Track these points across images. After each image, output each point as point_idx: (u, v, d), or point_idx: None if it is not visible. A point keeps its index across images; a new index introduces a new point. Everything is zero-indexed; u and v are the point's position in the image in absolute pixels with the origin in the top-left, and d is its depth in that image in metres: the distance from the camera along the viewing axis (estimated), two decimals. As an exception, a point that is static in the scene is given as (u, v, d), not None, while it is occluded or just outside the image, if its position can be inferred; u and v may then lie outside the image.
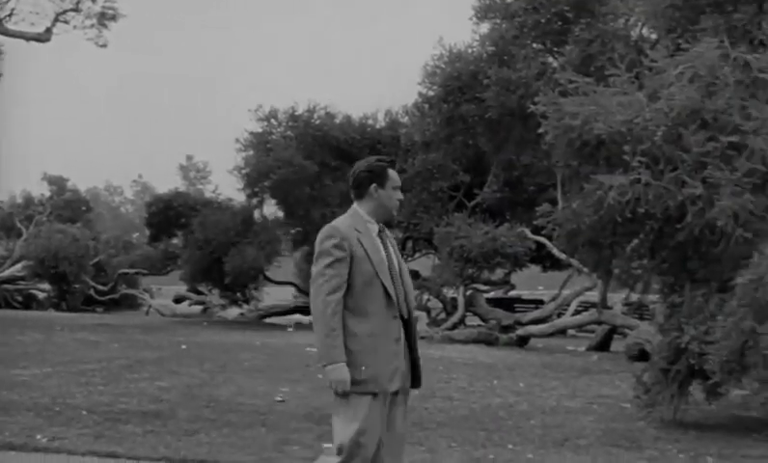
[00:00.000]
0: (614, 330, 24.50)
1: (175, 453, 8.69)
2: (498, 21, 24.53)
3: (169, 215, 31.74)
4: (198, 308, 36.51)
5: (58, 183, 51.59)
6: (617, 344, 23.68)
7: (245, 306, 31.49)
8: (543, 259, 29.29)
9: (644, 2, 18.10)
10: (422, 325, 20.89)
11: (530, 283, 37.95)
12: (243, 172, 28.47)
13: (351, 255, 5.48)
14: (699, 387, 11.23)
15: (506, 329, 24.50)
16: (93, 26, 31.82)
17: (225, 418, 10.62)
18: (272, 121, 29.39)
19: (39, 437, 9.14)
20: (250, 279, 29.12)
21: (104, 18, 31.68)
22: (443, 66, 26.02)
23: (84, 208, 49.41)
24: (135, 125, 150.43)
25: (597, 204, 11.44)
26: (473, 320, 27.95)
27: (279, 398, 12.26)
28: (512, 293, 33.74)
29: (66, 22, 31.39)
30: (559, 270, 29.66)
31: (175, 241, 34.57)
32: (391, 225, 5.92)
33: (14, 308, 37.46)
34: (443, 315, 28.75)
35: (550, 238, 14.17)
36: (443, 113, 26.24)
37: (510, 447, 9.60)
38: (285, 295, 36.09)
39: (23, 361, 15.29)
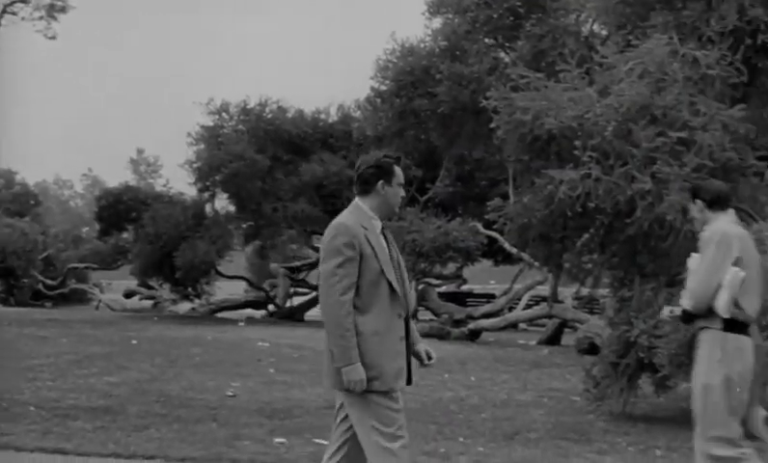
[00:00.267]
0: (564, 324, 24.67)
1: (124, 449, 8.62)
2: (450, 16, 24.55)
3: (119, 209, 31.42)
4: (148, 302, 36.28)
5: (6, 177, 51.07)
6: (567, 338, 23.85)
7: (196, 300, 31.27)
8: (495, 254, 29.41)
9: (594, -2, 18.23)
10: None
11: (481, 277, 38.08)
12: (194, 166, 28.26)
13: (360, 253, 5.42)
14: (649, 380, 11.34)
15: (457, 323, 24.58)
16: (42, 18, 31.49)
17: (175, 413, 10.55)
18: (223, 114, 29.19)
19: (-15, 433, 9.04)
20: (201, 273, 28.93)
21: (53, 10, 31.37)
22: (395, 60, 26.01)
23: (33, 202, 48.90)
24: (85, 119, 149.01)
25: (548, 199, 11.50)
26: (425, 315, 28.00)
27: (230, 393, 12.21)
28: (464, 288, 33.91)
29: (14, 14, 31.03)
30: (510, 264, 29.81)
31: (125, 235, 34.31)
32: (390, 220, 5.86)
33: (-39, 303, 37.00)
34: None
35: (501, 233, 14.25)
36: (395, 107, 26.22)
37: (461, 440, 9.63)
38: (236, 290, 35.94)
39: (-30, 356, 15.11)
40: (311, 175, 27.54)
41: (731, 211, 6.61)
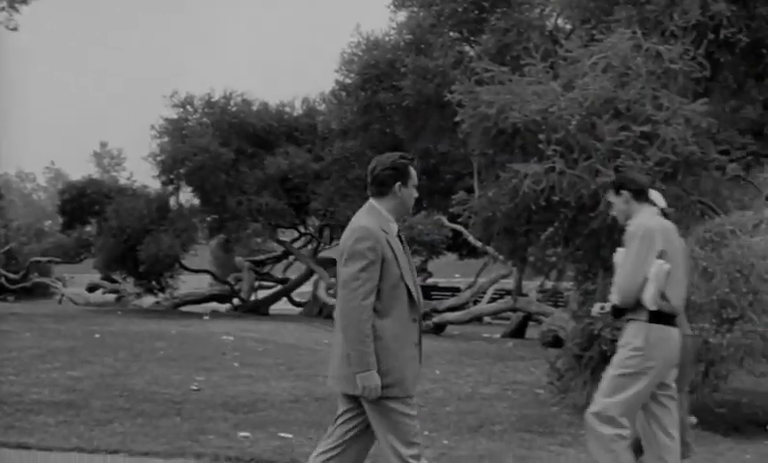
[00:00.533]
0: (529, 317, 24.81)
1: (87, 444, 8.57)
2: (415, 10, 24.53)
3: (82, 202, 31.22)
4: (112, 296, 36.07)
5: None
6: (531, 331, 24.00)
7: (160, 294, 31.16)
8: (460, 247, 29.48)
9: (559, -8, 18.28)
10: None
11: (446, 270, 38.21)
12: (158, 159, 28.08)
13: (382, 257, 5.38)
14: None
15: (422, 316, 24.59)
16: (3, 9, 31.16)
17: (139, 407, 10.51)
18: (188, 107, 29.06)
19: (-54, 428, 8.96)
20: (165, 267, 28.82)
21: (15, 1, 31.03)
22: (360, 54, 26.00)
23: (-6, 196, 48.43)
24: (48, 111, 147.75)
25: (513, 193, 11.53)
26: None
27: (194, 387, 12.17)
28: (429, 281, 33.94)
29: (-26, 5, 30.70)
30: (475, 258, 29.89)
31: (88, 229, 34.10)
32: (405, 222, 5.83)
33: None
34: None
35: (466, 226, 14.27)
36: (360, 101, 26.21)
37: (426, 433, 9.63)
38: (200, 283, 35.85)
39: (-70, 351, 14.96)
40: (275, 168, 27.46)
41: (655, 207, 6.77)
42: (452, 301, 26.75)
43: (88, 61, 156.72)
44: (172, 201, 29.72)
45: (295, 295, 35.15)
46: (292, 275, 35.39)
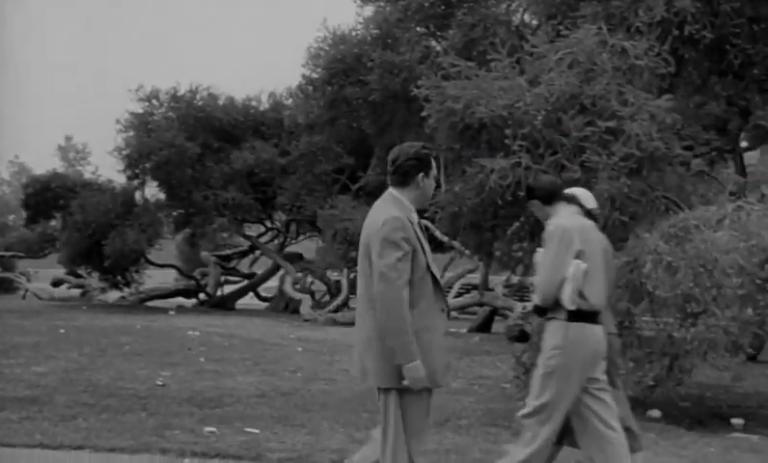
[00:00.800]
0: (495, 312, 24.84)
1: (51, 440, 8.50)
2: (382, 4, 24.59)
3: (47, 197, 30.98)
4: (77, 291, 35.78)
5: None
6: (498, 326, 24.02)
7: (126, 289, 30.97)
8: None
9: (525, -12, 18.39)
10: (305, 308, 20.92)
11: (413, 265, 38.19)
12: (124, 153, 27.94)
13: (413, 248, 5.33)
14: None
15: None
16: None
17: (104, 402, 10.44)
18: (153, 101, 28.94)
19: None
20: (131, 262, 28.71)
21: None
22: (327, 48, 26.00)
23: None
24: (11, 105, 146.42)
25: (479, 188, 11.56)
26: (356, 303, 27.99)
27: (160, 382, 12.11)
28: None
29: None
30: (441, 253, 29.83)
31: (53, 223, 33.84)
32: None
33: None
34: (327, 298, 28.82)
35: (433, 221, 14.27)
36: (327, 95, 26.24)
37: (393, 428, 9.65)
38: (166, 278, 35.67)
39: None
40: (242, 162, 27.38)
41: (574, 206, 6.87)
42: (418, 296, 26.72)
43: (56, 55, 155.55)
44: (137, 195, 29.59)
45: (262, 290, 35.08)
46: (259, 270, 35.32)
